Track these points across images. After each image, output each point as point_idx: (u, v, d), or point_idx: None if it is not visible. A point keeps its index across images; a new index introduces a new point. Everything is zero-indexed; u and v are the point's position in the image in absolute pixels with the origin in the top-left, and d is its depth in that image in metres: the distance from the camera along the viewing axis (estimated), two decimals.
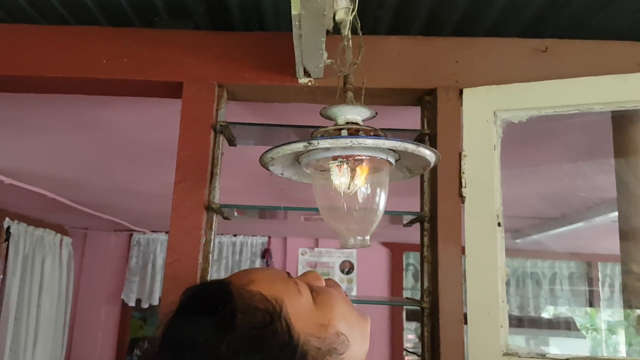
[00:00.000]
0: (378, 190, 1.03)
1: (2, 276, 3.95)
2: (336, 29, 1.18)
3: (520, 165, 2.27)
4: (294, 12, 1.07)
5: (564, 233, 3.83)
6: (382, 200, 1.02)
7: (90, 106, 1.80)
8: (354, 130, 1.00)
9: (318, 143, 0.91)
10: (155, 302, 4.89)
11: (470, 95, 1.39)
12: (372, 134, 1.02)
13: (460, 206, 1.33)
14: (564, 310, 5.60)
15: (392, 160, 1.01)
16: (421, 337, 1.33)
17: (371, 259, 5.03)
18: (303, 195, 2.17)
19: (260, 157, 1.02)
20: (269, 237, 5.08)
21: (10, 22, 1.49)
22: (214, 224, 1.36)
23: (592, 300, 5.46)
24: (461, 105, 1.39)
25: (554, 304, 5.46)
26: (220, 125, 1.36)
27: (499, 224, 1.31)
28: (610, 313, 5.53)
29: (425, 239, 1.36)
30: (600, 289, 5.34)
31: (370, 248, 4.91)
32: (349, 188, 1.02)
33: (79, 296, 4.95)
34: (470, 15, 1.40)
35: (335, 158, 1.00)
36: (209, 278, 1.33)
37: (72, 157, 2.44)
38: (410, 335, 5.51)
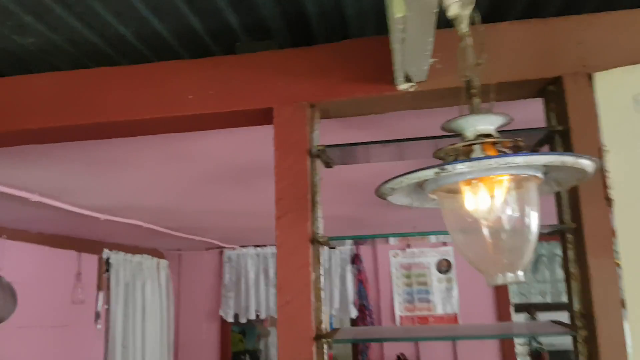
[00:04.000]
0: (527, 209, 0.85)
1: (107, 306, 4.07)
2: (440, 21, 1.01)
3: None
4: (397, 15, 0.92)
5: None
6: (532, 221, 0.85)
7: (180, 138, 1.74)
8: (490, 145, 0.83)
9: (454, 168, 0.75)
10: (252, 316, 4.90)
11: (604, 80, 1.18)
12: (510, 145, 0.85)
13: (608, 211, 1.13)
14: None
15: (540, 174, 0.83)
16: None
17: None
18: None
19: (377, 188, 0.87)
20: (357, 243, 4.95)
21: (90, 65, 1.45)
22: (321, 257, 1.24)
23: None
24: (593, 92, 1.18)
25: None
26: (318, 149, 1.23)
27: None
28: None
29: (570, 253, 1.16)
30: None
31: None
32: (489, 212, 0.85)
33: (180, 316, 5.04)
34: None
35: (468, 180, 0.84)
36: (323, 318, 1.21)
37: (164, 187, 2.44)
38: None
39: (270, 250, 4.90)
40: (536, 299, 4.98)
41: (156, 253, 4.88)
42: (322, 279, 1.22)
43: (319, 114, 1.30)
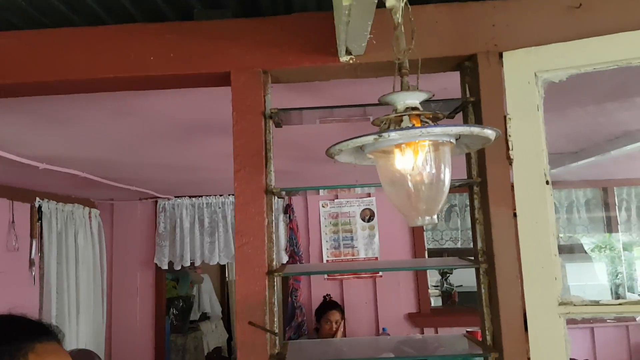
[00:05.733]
0: (442, 166, 1.08)
1: (40, 254, 4.09)
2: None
3: (545, 111, 2.30)
4: (345, 3, 1.09)
5: (582, 165, 3.88)
6: (446, 176, 1.08)
7: (128, 96, 1.83)
8: (416, 116, 1.05)
9: (389, 136, 0.96)
10: (187, 263, 5.04)
11: (511, 58, 1.42)
12: (431, 116, 1.07)
13: (508, 168, 1.39)
14: (572, 235, 5.69)
15: (453, 140, 1.06)
16: (478, 295, 1.42)
17: (391, 205, 5.10)
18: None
19: (328, 149, 1.07)
20: (289, 194, 5.17)
21: (49, 25, 1.51)
22: (273, 205, 1.43)
23: (609, 225, 5.56)
24: (502, 68, 1.42)
25: (572, 231, 5.58)
26: (271, 112, 1.41)
27: (547, 182, 1.37)
28: (627, 235, 5.64)
29: (476, 202, 1.42)
30: (617, 213, 5.44)
31: None
32: (413, 169, 1.08)
33: (114, 264, 5.10)
34: None
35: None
36: (274, 256, 1.42)
37: (108, 140, 2.50)
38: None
39: (205, 200, 5.02)
40: (448, 245, 5.45)
41: (88, 203, 4.88)
42: (273, 224, 1.43)
43: (271, 80, 1.46)
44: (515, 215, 1.37)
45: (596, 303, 1.32)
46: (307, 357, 1.42)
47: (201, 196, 5.04)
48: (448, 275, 5.63)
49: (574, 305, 1.32)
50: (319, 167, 3.65)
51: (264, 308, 1.36)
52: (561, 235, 5.61)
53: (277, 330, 1.37)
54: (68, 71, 1.43)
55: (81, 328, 4.53)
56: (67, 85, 1.48)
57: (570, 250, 5.71)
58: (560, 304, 1.32)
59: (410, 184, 1.07)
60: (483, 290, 1.40)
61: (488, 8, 1.46)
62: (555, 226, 1.36)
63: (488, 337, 1.38)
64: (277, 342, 1.39)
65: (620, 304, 1.33)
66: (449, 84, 1.65)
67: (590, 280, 5.70)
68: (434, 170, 1.07)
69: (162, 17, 1.53)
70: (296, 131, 1.99)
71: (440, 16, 1.45)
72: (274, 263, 1.41)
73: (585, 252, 5.70)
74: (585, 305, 1.32)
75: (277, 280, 1.44)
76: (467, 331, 2.81)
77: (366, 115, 1.66)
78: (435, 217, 1.07)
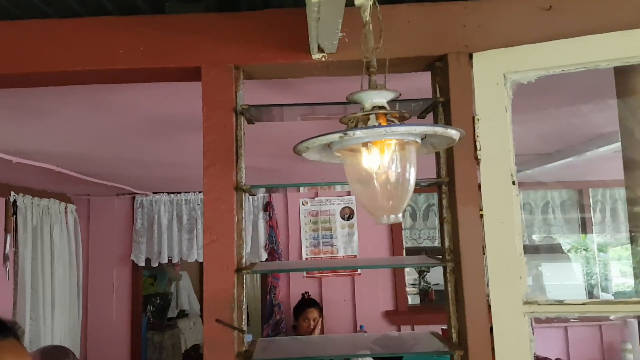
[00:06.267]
0: (408, 166, 1.09)
1: (14, 249, 4.02)
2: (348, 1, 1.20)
3: (520, 112, 2.33)
4: (313, 0, 1.09)
5: (557, 166, 3.92)
6: (412, 175, 1.09)
7: (104, 89, 1.82)
8: (382, 115, 1.05)
9: (354, 134, 0.97)
10: (164, 260, 5.00)
11: (480, 59, 1.43)
12: (398, 115, 1.08)
13: (476, 168, 1.40)
14: (550, 235, 5.75)
15: (419, 140, 1.07)
16: (445, 292, 1.43)
17: None
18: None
19: (295, 147, 1.07)
20: (269, 191, 5.16)
21: (21, 16, 1.49)
22: (243, 202, 1.43)
23: (584, 226, 5.64)
24: (472, 69, 1.43)
25: (547, 232, 5.65)
26: (242, 108, 1.40)
27: (513, 183, 1.39)
28: (602, 237, 5.72)
29: (444, 202, 1.44)
30: (592, 215, 5.52)
31: None
32: (379, 168, 1.08)
33: (90, 260, 5.04)
34: None
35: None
36: (244, 254, 1.41)
37: (84, 135, 2.46)
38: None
39: (184, 197, 4.99)
40: (426, 243, 5.48)
41: (64, 198, 4.81)
42: (243, 221, 1.42)
43: (243, 75, 1.46)
44: (482, 214, 1.38)
45: (560, 302, 1.34)
46: (275, 355, 1.42)
47: (180, 192, 5.00)
48: (425, 273, 5.66)
49: (539, 304, 1.34)
50: (302, 164, 3.64)
51: (232, 306, 1.35)
52: (537, 235, 5.67)
53: (245, 328, 1.37)
54: (37, 64, 1.41)
55: (56, 324, 4.47)
56: (36, 77, 1.46)
57: (541, 250, 5.77)
58: (525, 303, 1.34)
59: (376, 182, 1.08)
60: (450, 289, 1.41)
61: (460, 9, 1.47)
62: (521, 226, 1.38)
63: (454, 335, 1.40)
64: (245, 339, 1.38)
65: (584, 304, 1.35)
66: (423, 84, 1.66)
67: (568, 280, 5.78)
68: (399, 169, 1.07)
69: (136, 10, 1.51)
70: (277, 128, 1.98)
71: (412, 16, 1.46)
72: (244, 260, 1.41)
73: (564, 252, 5.77)
74: (550, 304, 1.34)
75: (248, 278, 1.43)
76: (442, 329, 2.83)
77: (347, 113, 1.67)
78: (400, 215, 1.08)
